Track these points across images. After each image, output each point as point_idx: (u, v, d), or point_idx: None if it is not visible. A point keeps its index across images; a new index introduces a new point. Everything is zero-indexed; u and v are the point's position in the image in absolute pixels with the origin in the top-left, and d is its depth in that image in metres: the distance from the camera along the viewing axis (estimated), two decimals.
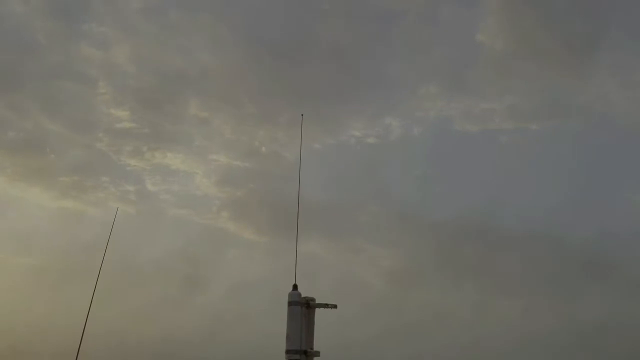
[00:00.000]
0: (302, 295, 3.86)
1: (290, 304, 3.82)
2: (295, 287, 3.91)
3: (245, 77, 21.01)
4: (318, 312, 3.85)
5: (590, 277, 18.00)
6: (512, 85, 20.17)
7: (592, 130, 19.64)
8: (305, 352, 3.72)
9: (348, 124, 21.03)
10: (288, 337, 3.73)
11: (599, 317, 17.09)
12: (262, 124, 21.28)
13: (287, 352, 3.69)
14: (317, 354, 3.77)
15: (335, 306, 3.91)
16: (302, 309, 3.80)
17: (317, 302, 3.88)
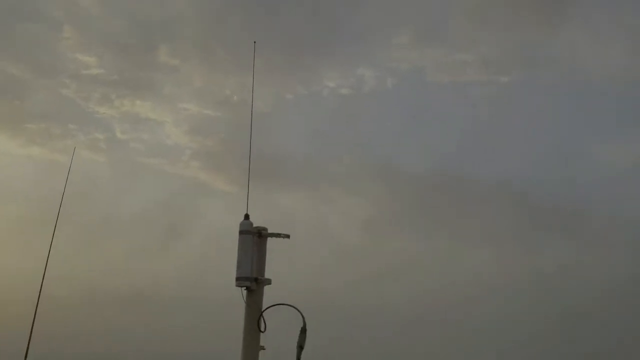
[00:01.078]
0: (254, 225, 3.86)
1: (241, 232, 3.82)
2: (246, 216, 3.91)
3: (216, 24, 20.50)
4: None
5: (556, 229, 18.46)
6: (485, 37, 20.02)
7: (562, 83, 19.70)
8: (255, 280, 3.74)
9: (322, 75, 20.77)
10: (239, 265, 3.74)
11: (563, 266, 17.61)
12: (233, 72, 20.89)
13: (237, 279, 3.71)
14: (268, 281, 3.80)
15: (287, 236, 3.92)
16: (254, 237, 3.81)
17: (269, 231, 3.89)
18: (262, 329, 3.63)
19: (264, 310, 3.68)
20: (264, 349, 3.62)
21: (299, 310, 3.53)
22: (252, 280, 3.72)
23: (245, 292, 3.74)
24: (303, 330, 3.54)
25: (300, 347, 3.51)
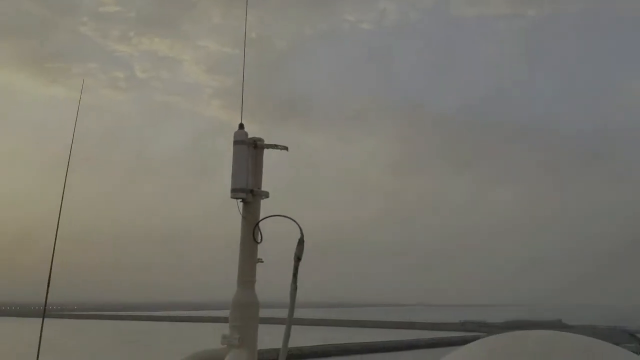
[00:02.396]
0: (250, 136, 3.69)
1: (235, 143, 3.66)
2: (241, 126, 3.74)
3: None
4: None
5: (585, 167, 17.99)
6: None
7: (593, 18, 18.67)
8: (251, 191, 3.61)
9: (341, 9, 20.08)
10: (233, 176, 3.61)
11: (590, 203, 17.27)
12: (251, 8, 20.31)
13: (233, 190, 3.58)
14: (266, 194, 3.67)
15: (285, 148, 3.76)
16: (249, 148, 3.66)
17: (265, 142, 3.72)
18: (259, 240, 3.54)
19: (259, 221, 3.58)
20: (261, 262, 3.54)
21: (296, 222, 3.41)
22: (248, 192, 3.59)
23: (241, 204, 3.62)
24: (300, 242, 3.44)
25: (298, 259, 3.42)
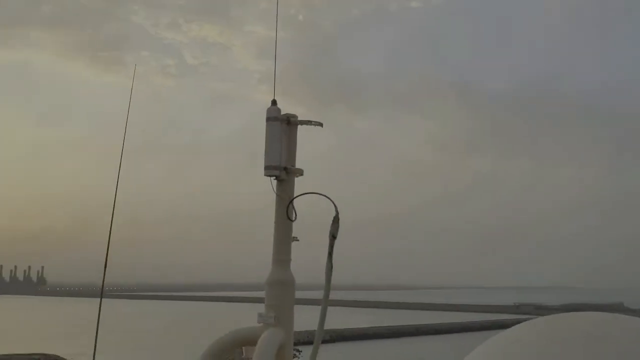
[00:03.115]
0: (283, 112, 3.60)
1: (268, 120, 3.58)
2: (274, 102, 3.65)
3: None
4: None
5: None
6: None
7: None
8: (285, 169, 3.53)
9: None
10: (267, 153, 3.53)
11: None
12: None
13: (266, 167, 3.51)
14: (300, 172, 3.58)
15: (320, 124, 3.65)
16: (282, 125, 3.57)
17: (299, 119, 3.62)
18: (293, 218, 3.45)
19: (293, 199, 3.49)
20: (296, 240, 3.46)
21: (330, 199, 3.30)
22: (281, 170, 3.51)
23: (274, 182, 3.55)
24: (336, 220, 3.33)
25: (333, 237, 3.31)
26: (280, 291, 3.33)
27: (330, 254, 3.30)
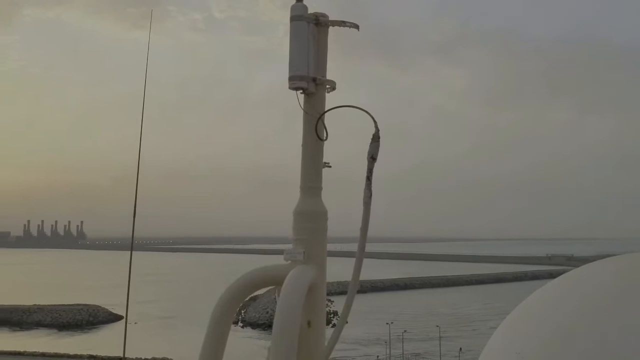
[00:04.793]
0: (311, 11, 2.93)
1: (293, 19, 2.91)
2: None
3: None
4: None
5: None
6: None
7: None
8: (314, 80, 2.90)
9: None
10: (291, 61, 2.90)
11: None
12: None
13: (291, 78, 2.88)
14: (332, 84, 2.95)
15: (356, 26, 3.00)
16: (310, 26, 2.91)
17: (330, 19, 2.96)
18: (323, 137, 2.85)
19: (323, 113, 2.87)
20: (328, 166, 2.86)
21: (369, 114, 2.68)
22: (309, 81, 2.88)
23: (302, 96, 2.93)
24: (375, 138, 2.71)
25: (372, 158, 2.70)
26: (310, 223, 2.74)
27: (369, 178, 2.70)
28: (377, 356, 62.66)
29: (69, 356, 69.96)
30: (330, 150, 2.88)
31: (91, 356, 69.29)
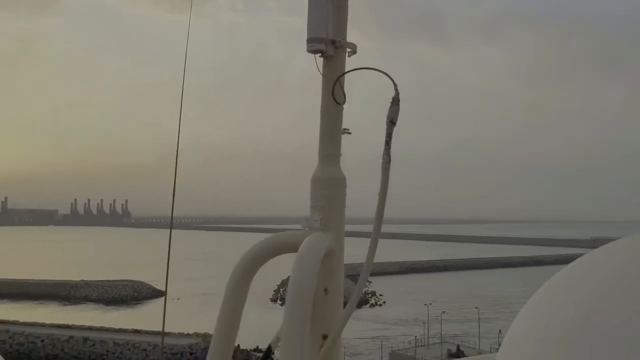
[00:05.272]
0: None
1: None
2: None
3: None
4: None
5: None
6: None
7: None
8: (333, 42, 2.82)
9: None
10: (309, 22, 2.81)
11: None
12: None
13: (309, 41, 2.80)
14: (352, 47, 2.87)
15: None
16: None
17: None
18: (340, 101, 2.78)
19: (341, 75, 2.79)
20: (348, 132, 2.80)
21: (388, 76, 2.60)
22: (328, 43, 2.80)
23: (320, 60, 2.86)
24: (395, 101, 2.63)
25: (392, 122, 2.62)
26: (328, 190, 2.70)
27: (387, 142, 2.62)
28: (415, 336, 62.64)
29: (114, 330, 72.29)
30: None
31: (135, 330, 71.45)
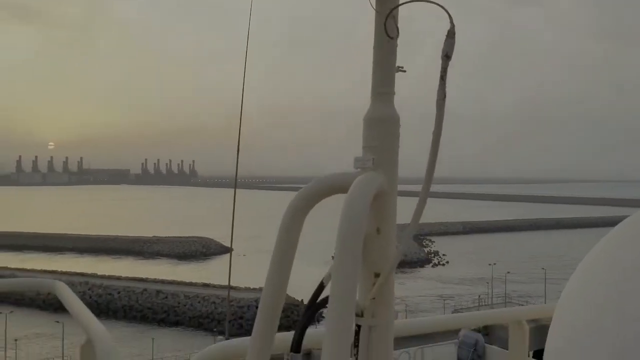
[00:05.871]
0: None
1: None
2: None
3: None
4: None
5: None
6: None
7: None
8: None
9: None
10: None
11: None
12: None
13: None
14: None
15: None
16: None
17: None
18: (393, 35, 2.73)
19: (395, 7, 2.75)
20: (402, 70, 2.76)
21: (444, 8, 2.54)
22: None
23: None
24: (450, 35, 2.56)
25: (447, 57, 2.57)
26: (381, 129, 2.66)
27: (442, 77, 2.57)
28: (479, 295, 62.28)
29: (185, 283, 75.66)
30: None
31: (204, 284, 74.55)
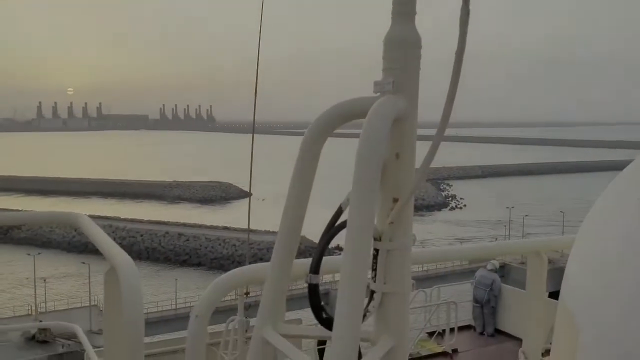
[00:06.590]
0: None
1: None
2: None
3: None
4: None
5: None
6: None
7: None
8: None
9: None
10: None
11: None
12: None
13: None
14: None
15: None
16: None
17: None
18: None
19: None
20: None
21: None
22: None
23: None
24: None
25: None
26: (401, 51, 2.49)
27: None
28: (496, 238, 62.59)
29: (206, 227, 76.99)
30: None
31: (225, 227, 75.79)
